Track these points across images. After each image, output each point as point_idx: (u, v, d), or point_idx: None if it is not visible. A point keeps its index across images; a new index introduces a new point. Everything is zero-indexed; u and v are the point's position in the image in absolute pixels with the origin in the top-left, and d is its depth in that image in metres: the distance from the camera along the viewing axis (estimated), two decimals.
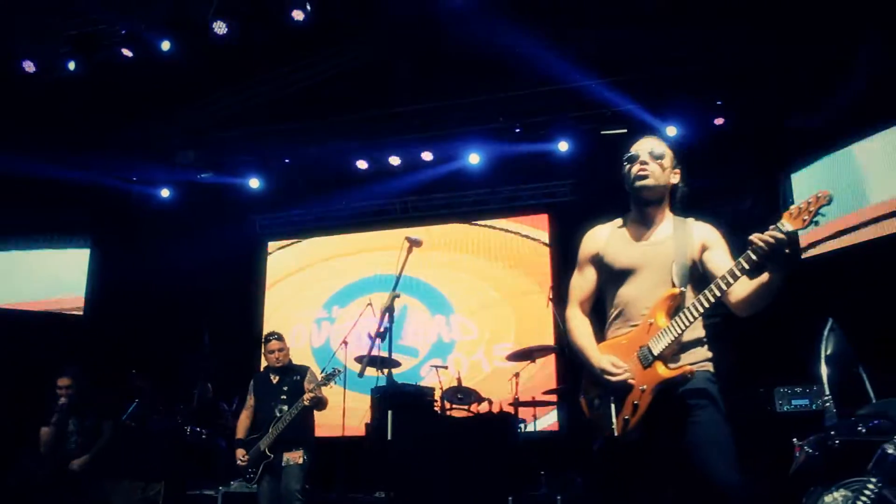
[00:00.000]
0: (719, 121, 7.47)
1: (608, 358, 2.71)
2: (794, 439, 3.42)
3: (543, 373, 7.62)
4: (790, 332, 4.90)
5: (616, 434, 2.62)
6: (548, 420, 7.74)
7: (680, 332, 2.60)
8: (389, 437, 4.26)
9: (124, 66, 6.90)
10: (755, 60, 6.83)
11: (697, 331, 2.73)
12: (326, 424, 6.08)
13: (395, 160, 8.54)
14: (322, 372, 5.39)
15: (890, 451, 2.89)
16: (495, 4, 6.63)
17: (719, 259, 2.70)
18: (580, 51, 7.17)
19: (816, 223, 2.33)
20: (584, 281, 2.96)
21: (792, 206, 2.37)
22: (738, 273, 2.48)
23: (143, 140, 8.37)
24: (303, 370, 5.57)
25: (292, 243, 9.46)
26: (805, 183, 6.83)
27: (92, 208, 8.91)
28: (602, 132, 7.96)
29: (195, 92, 7.60)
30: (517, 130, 8.16)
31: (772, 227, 2.38)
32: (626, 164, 2.86)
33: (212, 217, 9.01)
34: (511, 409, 6.54)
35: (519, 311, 8.31)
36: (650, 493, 2.66)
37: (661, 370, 2.59)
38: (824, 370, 3.55)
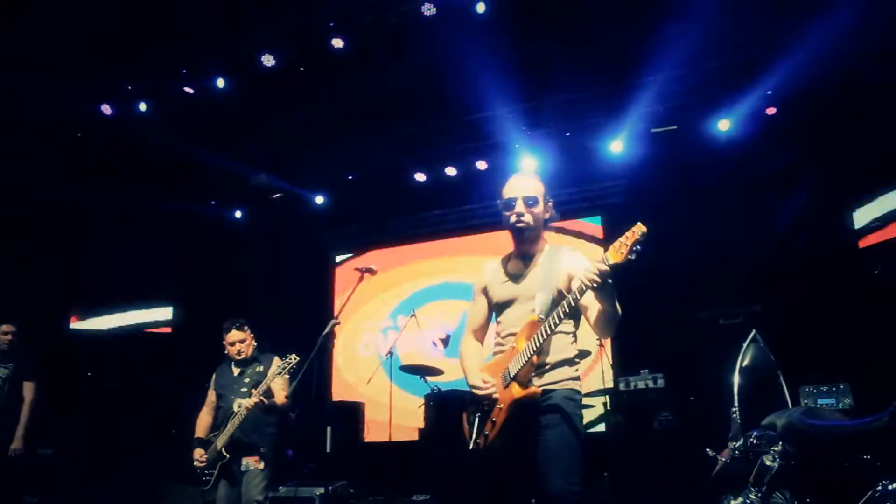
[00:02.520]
0: (771, 110, 7.23)
1: (480, 376, 2.98)
2: (707, 449, 3.46)
3: (593, 377, 7.60)
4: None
5: (478, 447, 2.92)
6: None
7: (530, 355, 2.80)
8: (328, 450, 4.44)
9: (188, 104, 7.53)
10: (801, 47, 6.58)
11: (564, 353, 2.96)
12: (375, 428, 6.20)
13: (451, 171, 8.80)
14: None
15: (767, 462, 3.03)
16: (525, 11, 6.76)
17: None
18: (626, 50, 7.17)
19: (633, 256, 2.47)
20: (476, 311, 3.29)
21: (614, 242, 2.52)
22: (572, 303, 2.70)
23: (217, 167, 8.98)
24: (268, 359, 4.91)
25: (358, 255, 9.84)
26: None
27: (179, 236, 9.71)
28: (652, 130, 7.88)
29: (254, 120, 8.08)
30: (567, 135, 8.22)
31: (598, 260, 2.55)
32: (503, 207, 3.07)
33: (282, 233, 9.57)
34: None
35: None
36: (511, 495, 2.95)
37: (515, 390, 2.86)
38: (737, 380, 3.56)
